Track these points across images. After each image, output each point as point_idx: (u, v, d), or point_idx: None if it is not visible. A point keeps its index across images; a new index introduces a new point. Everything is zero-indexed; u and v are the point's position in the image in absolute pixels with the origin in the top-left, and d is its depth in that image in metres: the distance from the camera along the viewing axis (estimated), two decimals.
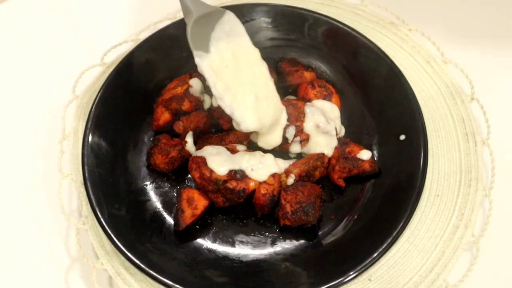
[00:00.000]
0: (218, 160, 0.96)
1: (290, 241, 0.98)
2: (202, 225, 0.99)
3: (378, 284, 0.93)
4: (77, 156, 1.05)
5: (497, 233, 0.99)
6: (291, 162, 1.02)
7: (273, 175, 0.97)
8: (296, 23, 1.16)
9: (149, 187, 1.04)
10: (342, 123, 1.09)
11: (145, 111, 1.10)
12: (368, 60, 1.09)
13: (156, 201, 1.02)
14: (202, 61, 0.95)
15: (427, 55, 1.17)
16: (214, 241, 0.98)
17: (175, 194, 1.02)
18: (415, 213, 0.93)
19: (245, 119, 0.96)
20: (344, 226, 0.98)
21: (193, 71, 1.14)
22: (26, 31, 1.30)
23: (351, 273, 0.87)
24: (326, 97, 1.08)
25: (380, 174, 1.02)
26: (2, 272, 0.99)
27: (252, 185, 0.96)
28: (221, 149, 0.99)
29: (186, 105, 1.06)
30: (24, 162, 1.11)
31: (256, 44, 1.17)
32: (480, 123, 1.09)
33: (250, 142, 1.06)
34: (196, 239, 0.98)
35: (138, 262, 0.88)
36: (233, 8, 1.14)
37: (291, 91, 1.14)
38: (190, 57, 1.15)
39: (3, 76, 1.24)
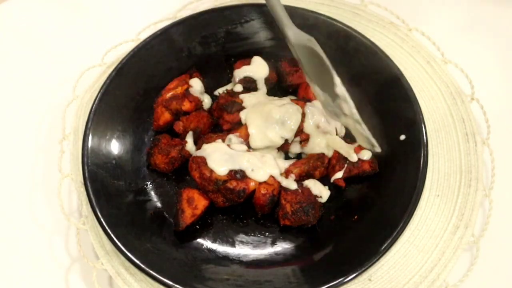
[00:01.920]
0: (218, 160, 0.96)
1: (290, 241, 0.98)
2: (202, 225, 0.99)
3: (378, 284, 0.93)
4: (77, 156, 1.05)
5: (497, 233, 0.99)
6: (291, 162, 1.02)
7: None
8: (296, 23, 1.15)
9: (149, 187, 1.04)
10: None
11: (145, 111, 1.10)
12: (368, 60, 1.09)
13: (156, 201, 1.02)
14: None
15: (427, 55, 1.17)
16: (214, 241, 0.98)
17: (175, 194, 1.02)
18: (415, 213, 0.93)
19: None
20: (344, 226, 0.98)
21: (193, 71, 1.14)
22: (26, 31, 1.30)
23: (351, 273, 0.87)
24: None
25: (380, 174, 1.02)
26: (2, 272, 0.99)
27: (252, 185, 0.96)
28: (221, 149, 0.99)
29: (186, 105, 1.06)
30: (24, 162, 1.11)
31: (256, 44, 1.18)
32: (480, 123, 1.09)
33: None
34: (196, 239, 0.98)
35: (138, 262, 0.88)
36: (233, 8, 1.15)
37: (291, 91, 1.14)
38: (190, 57, 1.16)
39: (3, 76, 1.24)
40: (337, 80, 0.87)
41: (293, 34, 0.87)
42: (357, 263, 0.88)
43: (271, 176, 0.97)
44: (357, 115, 0.90)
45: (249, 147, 1.03)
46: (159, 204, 1.02)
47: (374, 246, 0.89)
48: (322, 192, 0.99)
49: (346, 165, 1.01)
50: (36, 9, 1.33)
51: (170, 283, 0.87)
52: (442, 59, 1.17)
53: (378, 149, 0.95)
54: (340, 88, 0.87)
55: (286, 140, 1.02)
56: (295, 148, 1.04)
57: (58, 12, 1.33)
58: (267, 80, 1.12)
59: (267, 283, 0.91)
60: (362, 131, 0.91)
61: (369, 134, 0.91)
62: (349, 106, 0.89)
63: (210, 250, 0.97)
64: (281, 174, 0.99)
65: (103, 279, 0.97)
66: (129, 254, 0.89)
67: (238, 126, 1.05)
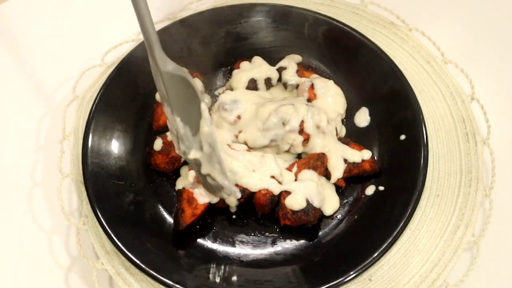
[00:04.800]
0: None
1: (290, 241, 0.98)
2: (202, 225, 0.99)
3: (378, 284, 0.93)
4: (77, 156, 1.05)
5: (497, 233, 0.98)
6: (291, 162, 1.02)
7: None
8: (296, 23, 1.15)
9: (149, 187, 1.04)
10: (342, 123, 1.09)
11: (145, 111, 1.10)
12: (368, 60, 1.09)
13: (156, 201, 1.02)
14: None
15: (427, 55, 1.17)
16: (214, 241, 0.98)
17: (175, 194, 1.02)
18: (415, 213, 0.93)
19: None
20: (344, 226, 0.98)
21: (193, 71, 1.14)
22: (26, 31, 1.30)
23: (351, 273, 0.87)
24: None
25: (380, 174, 1.02)
26: (2, 272, 0.99)
27: None
28: (221, 148, 0.99)
29: None
30: (24, 162, 1.11)
31: (256, 44, 1.18)
32: (480, 123, 1.09)
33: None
34: (196, 239, 0.98)
35: (138, 262, 0.88)
36: (233, 8, 1.15)
37: (291, 91, 1.14)
38: (190, 57, 1.16)
39: (3, 76, 1.24)
40: (206, 114, 0.81)
41: (162, 59, 0.77)
42: (357, 263, 0.88)
43: (272, 176, 0.97)
44: (220, 155, 0.85)
45: (249, 147, 1.03)
46: (159, 204, 1.02)
47: (374, 246, 0.89)
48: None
49: (346, 165, 1.01)
50: (36, 9, 1.33)
51: (170, 283, 0.87)
52: (442, 59, 1.17)
53: (238, 195, 0.92)
54: (208, 123, 0.81)
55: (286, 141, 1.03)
56: (295, 148, 1.04)
57: (58, 12, 1.33)
58: (267, 80, 1.12)
59: (267, 283, 0.91)
60: (219, 174, 0.87)
61: (225, 179, 0.87)
62: (213, 140, 0.83)
63: (210, 250, 0.97)
64: (281, 174, 0.99)
65: (103, 279, 0.97)
66: (129, 254, 0.89)
67: (238, 126, 1.05)
